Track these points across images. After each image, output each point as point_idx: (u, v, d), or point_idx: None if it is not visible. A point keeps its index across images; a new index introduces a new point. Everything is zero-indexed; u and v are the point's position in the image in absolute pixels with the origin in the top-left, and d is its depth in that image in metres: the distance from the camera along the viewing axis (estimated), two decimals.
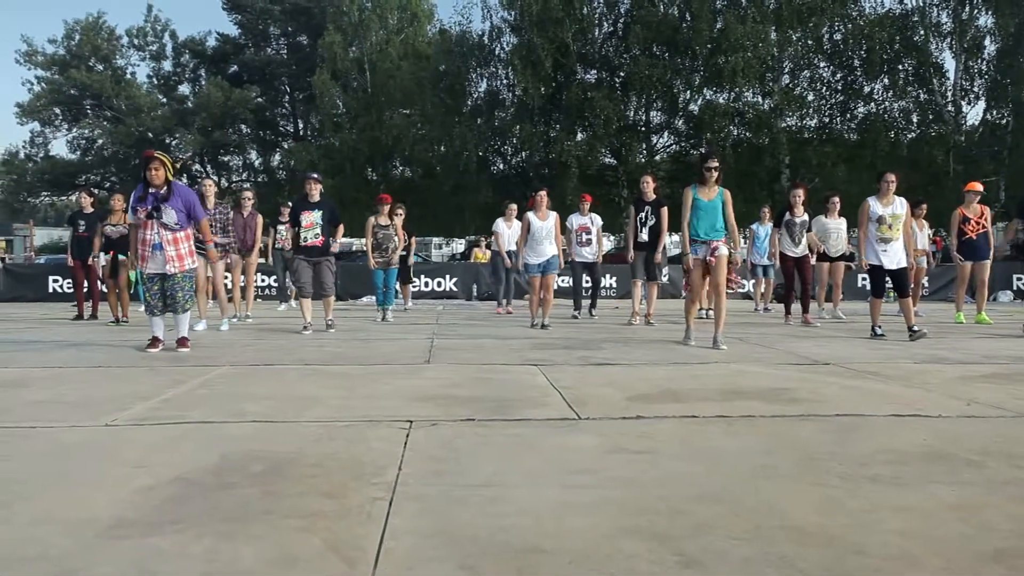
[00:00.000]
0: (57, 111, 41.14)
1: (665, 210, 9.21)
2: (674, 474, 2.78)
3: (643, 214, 9.15)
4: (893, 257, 7.48)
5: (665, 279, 11.06)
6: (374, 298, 11.68)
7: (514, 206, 11.11)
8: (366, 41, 33.86)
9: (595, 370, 5.45)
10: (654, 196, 9.24)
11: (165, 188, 6.34)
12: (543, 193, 8.76)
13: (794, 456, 3.04)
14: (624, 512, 2.35)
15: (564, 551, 2.05)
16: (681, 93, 28.31)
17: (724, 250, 6.77)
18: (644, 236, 9.12)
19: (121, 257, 9.36)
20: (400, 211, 11.15)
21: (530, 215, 8.64)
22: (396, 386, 4.73)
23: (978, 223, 9.75)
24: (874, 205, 7.61)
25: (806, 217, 9.62)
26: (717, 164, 6.83)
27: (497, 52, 30.44)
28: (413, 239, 12.48)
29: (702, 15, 25.94)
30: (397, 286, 11.92)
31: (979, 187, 10.00)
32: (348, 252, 30.60)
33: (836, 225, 10.26)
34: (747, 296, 13.70)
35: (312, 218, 8.02)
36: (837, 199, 10.49)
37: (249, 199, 9.80)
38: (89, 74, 39.03)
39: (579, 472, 2.79)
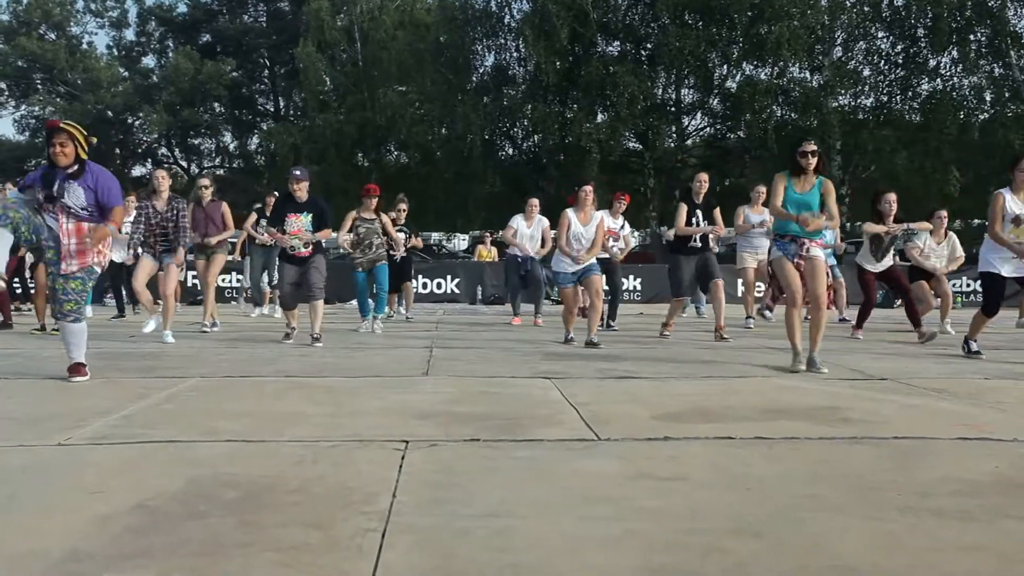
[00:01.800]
0: (2, 86, 41.42)
1: (718, 211, 9.06)
2: (706, 504, 2.78)
3: (695, 218, 8.94)
4: (1018, 264, 6.97)
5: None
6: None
7: (535, 202, 10.88)
8: (356, 7, 33.97)
9: (616, 384, 5.45)
10: (702, 200, 9.04)
11: (76, 167, 5.42)
12: (588, 188, 8.19)
13: (844, 485, 3.03)
14: (650, 548, 2.36)
15: None
16: (717, 68, 28.28)
17: (818, 252, 6.26)
18: (697, 241, 8.93)
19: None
20: (402, 206, 11.12)
21: (571, 214, 8.10)
22: (390, 401, 4.74)
23: None
24: (1010, 201, 6.88)
25: (899, 232, 9.19)
26: (815, 148, 6.30)
27: (507, 21, 30.48)
28: (417, 239, 12.17)
29: None
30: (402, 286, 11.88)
31: None
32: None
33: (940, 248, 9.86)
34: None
35: (300, 223, 7.84)
36: (944, 215, 10.09)
37: (207, 187, 9.65)
38: (40, 43, 39.32)
39: (598, 501, 2.79)
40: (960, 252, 10.04)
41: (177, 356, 6.97)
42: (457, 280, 16.85)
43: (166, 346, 7.82)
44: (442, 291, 16.79)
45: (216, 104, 41.31)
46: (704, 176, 9.31)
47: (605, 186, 27.89)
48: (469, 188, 30.57)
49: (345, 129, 32.65)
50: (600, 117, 28.21)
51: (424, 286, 16.72)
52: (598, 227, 8.05)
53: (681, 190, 10.18)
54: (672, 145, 28.48)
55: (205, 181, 9.80)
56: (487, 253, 18.37)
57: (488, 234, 20.90)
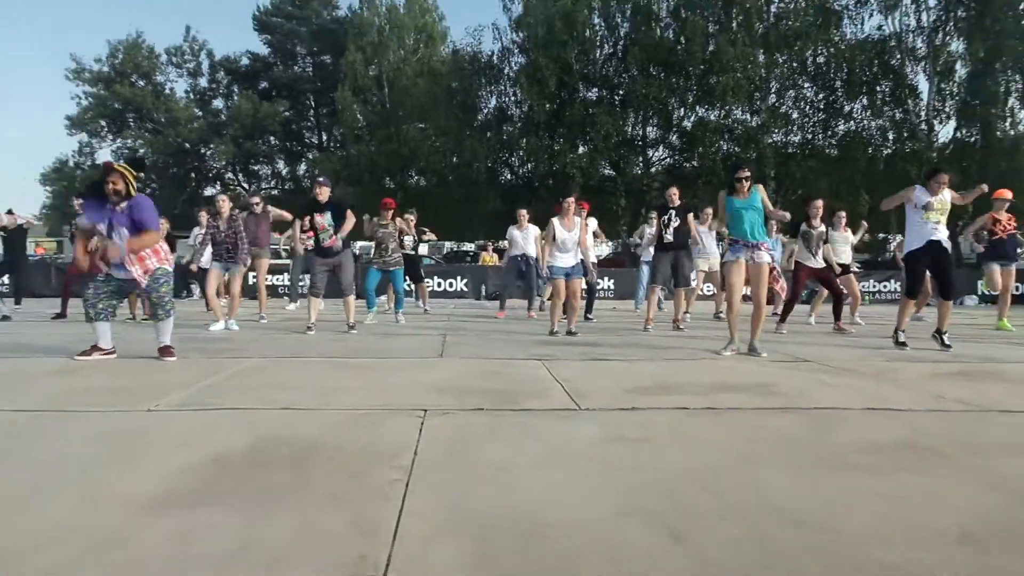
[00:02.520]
0: (103, 123, 41.35)
1: (691, 215, 8.75)
2: (667, 461, 2.80)
3: (667, 217, 8.58)
4: (941, 234, 6.61)
5: (694, 283, 10.27)
6: (380, 298, 11.65)
7: (524, 212, 10.68)
8: (385, 60, 33.91)
9: (594, 365, 5.45)
10: (679, 202, 8.69)
11: (124, 203, 5.40)
12: (571, 200, 7.94)
13: (776, 445, 3.05)
14: (623, 495, 2.38)
15: (567, 528, 2.08)
16: (675, 110, 28.29)
17: (765, 258, 6.22)
18: (669, 236, 8.52)
19: None
20: (410, 216, 10.98)
21: (556, 222, 7.84)
22: (412, 378, 4.75)
23: (1008, 225, 9.21)
24: (920, 193, 6.65)
25: (824, 228, 8.97)
26: (748, 173, 6.27)
27: (506, 71, 30.44)
28: (431, 231, 11.94)
29: (695, 38, 25.92)
30: (411, 287, 11.80)
31: (1008, 194, 9.35)
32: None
33: (843, 236, 9.66)
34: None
35: (323, 220, 7.77)
36: (843, 214, 9.94)
37: (257, 203, 9.54)
38: (132, 89, 39.25)
39: (582, 458, 2.81)
40: (853, 239, 9.93)
41: (240, 341, 6.95)
42: (465, 280, 16.83)
43: (232, 333, 7.82)
44: (454, 289, 16.77)
45: (272, 137, 41.20)
46: (674, 188, 8.86)
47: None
48: (475, 206, 30.57)
49: (376, 158, 32.59)
50: (581, 149, 28.17)
51: (439, 285, 16.71)
52: (581, 230, 7.89)
53: (657, 205, 9.78)
54: (639, 172, 28.43)
55: (256, 199, 9.70)
56: (489, 258, 18.38)
57: (490, 243, 20.87)
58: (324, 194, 7.81)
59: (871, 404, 3.95)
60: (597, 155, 27.27)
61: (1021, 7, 23.62)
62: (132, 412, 3.59)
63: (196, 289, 12.62)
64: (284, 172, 44.12)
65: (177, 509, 2.21)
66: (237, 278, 8.47)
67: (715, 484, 2.49)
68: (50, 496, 2.33)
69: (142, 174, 5.64)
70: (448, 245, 46.38)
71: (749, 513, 2.22)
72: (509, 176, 31.56)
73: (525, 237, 10.39)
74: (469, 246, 41.75)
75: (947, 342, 6.70)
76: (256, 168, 43.53)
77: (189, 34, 42.85)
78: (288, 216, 9.53)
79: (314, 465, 2.68)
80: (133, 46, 40.67)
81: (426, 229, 11.60)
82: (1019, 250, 9.56)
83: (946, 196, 6.65)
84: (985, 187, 7.09)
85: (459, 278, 16.95)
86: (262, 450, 2.87)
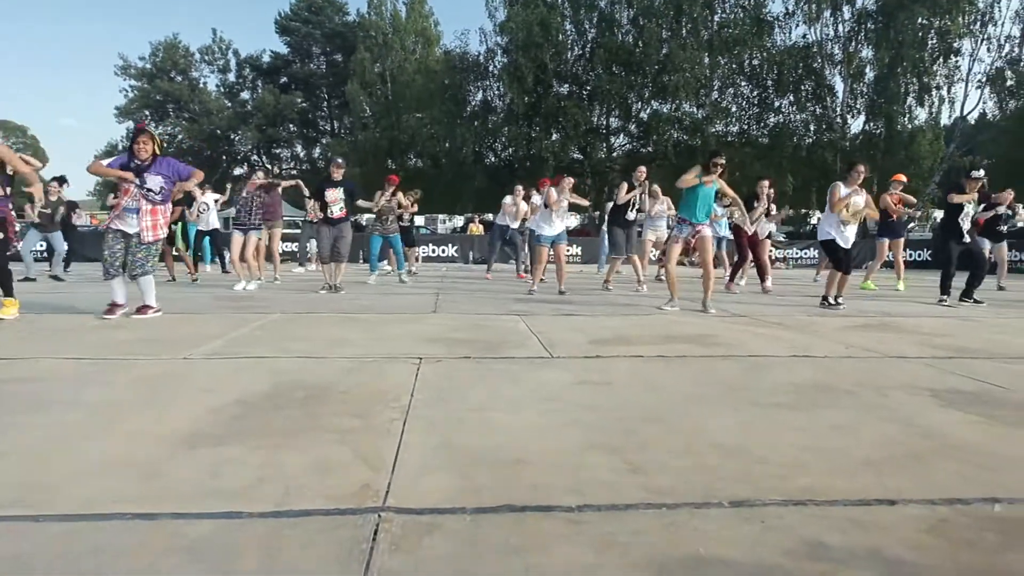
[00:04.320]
0: (147, 112, 40.04)
1: (657, 188, 8.44)
2: (626, 401, 2.77)
3: (634, 194, 8.21)
4: (847, 237, 6.56)
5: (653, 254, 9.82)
6: (382, 263, 11.45)
7: (520, 188, 10.21)
8: (388, 59, 32.99)
9: (564, 320, 5.41)
10: (644, 183, 8.29)
11: (150, 160, 5.22)
12: (570, 179, 7.58)
13: (717, 388, 3.03)
14: (588, 431, 2.34)
15: (542, 461, 2.04)
16: (634, 104, 27.89)
17: (707, 232, 6.10)
18: (632, 216, 8.26)
19: (173, 227, 9.03)
20: (412, 196, 10.72)
21: (554, 191, 7.40)
22: (409, 329, 4.68)
23: (898, 205, 9.04)
24: (843, 191, 6.51)
25: (766, 206, 8.62)
26: (724, 161, 6.03)
27: (490, 69, 29.78)
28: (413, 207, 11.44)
29: (651, 42, 25.45)
30: (405, 251, 11.46)
31: (903, 178, 9.22)
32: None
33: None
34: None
35: (335, 195, 7.55)
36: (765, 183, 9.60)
37: (261, 179, 8.95)
38: (171, 84, 38.00)
39: (552, 400, 2.77)
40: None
41: (263, 299, 6.77)
42: (456, 247, 16.65)
43: (254, 293, 7.62)
44: (446, 255, 16.58)
45: (291, 125, 40.11)
46: (642, 168, 8.46)
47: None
48: (464, 184, 30.15)
49: (380, 143, 31.93)
50: (555, 136, 27.74)
51: (433, 251, 16.53)
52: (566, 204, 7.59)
53: (595, 183, 9.41)
54: (603, 156, 28.12)
55: (260, 173, 9.37)
56: (476, 229, 18.18)
57: (477, 216, 20.61)
58: (338, 173, 7.62)
59: (795, 353, 3.95)
60: (568, 141, 26.90)
61: (919, 20, 23.41)
62: (170, 360, 3.49)
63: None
64: (302, 155, 43.12)
65: (206, 446, 2.14)
66: (251, 243, 8.13)
67: (667, 422, 2.47)
68: (97, 434, 2.25)
69: (164, 144, 5.43)
70: (441, 217, 46.03)
71: (694, 447, 2.19)
72: (493, 159, 31.10)
73: (516, 205, 9.92)
74: (459, 219, 41.44)
75: (840, 301, 6.61)
76: (278, 151, 42.47)
77: (217, 35, 41.55)
78: (299, 184, 9.34)
79: (324, 406, 2.61)
80: (171, 46, 39.26)
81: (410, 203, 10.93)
82: (908, 227, 9.51)
83: (860, 200, 6.48)
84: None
85: (451, 245, 16.77)
86: (279, 394, 2.79)
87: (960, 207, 7.15)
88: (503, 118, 29.03)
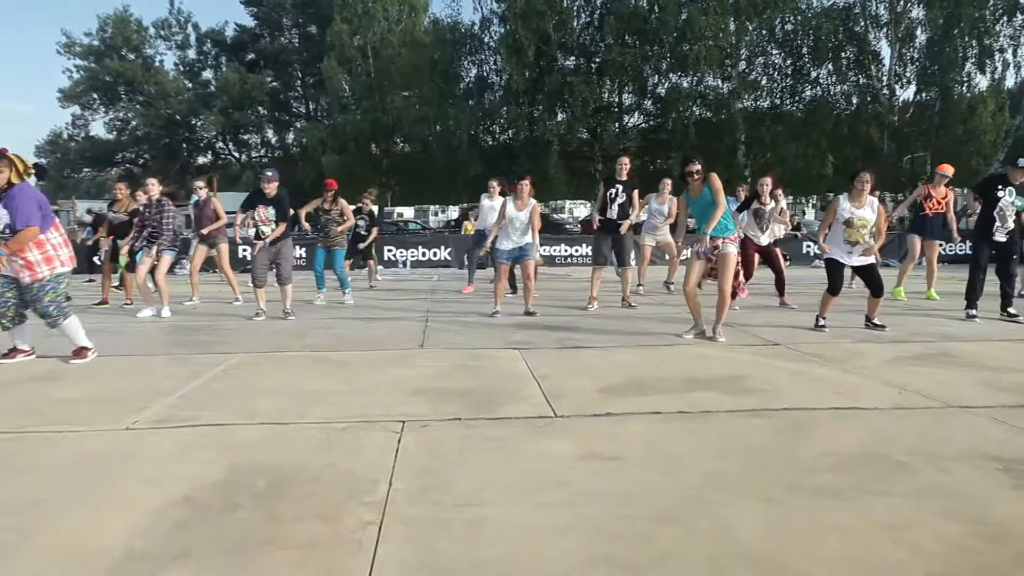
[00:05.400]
0: (95, 96, 40.02)
1: (637, 192, 8.17)
2: (639, 486, 2.68)
3: (613, 191, 8.06)
4: (857, 254, 6.39)
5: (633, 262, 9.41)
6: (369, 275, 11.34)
7: (496, 184, 9.92)
8: (369, 31, 32.83)
9: (570, 355, 5.31)
10: (627, 177, 8.13)
11: (5, 189, 4.82)
12: (525, 182, 7.52)
13: (747, 461, 2.95)
14: (594, 536, 2.26)
15: None
16: (650, 78, 27.70)
17: (731, 249, 5.92)
18: (613, 213, 8.03)
19: (119, 243, 8.87)
20: (368, 197, 10.49)
21: (508, 202, 7.47)
22: (392, 376, 4.60)
23: (940, 203, 8.78)
24: (843, 205, 6.38)
25: (774, 205, 8.43)
26: (699, 167, 5.96)
27: (486, 41, 29.65)
28: (375, 231, 10.84)
29: (668, 7, 25.23)
30: (370, 264, 11.22)
31: (950, 170, 8.91)
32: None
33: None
34: None
35: (266, 213, 7.38)
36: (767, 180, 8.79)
37: (201, 187, 9.06)
38: (122, 63, 37.92)
39: (553, 486, 2.69)
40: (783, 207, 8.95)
41: (224, 333, 6.65)
42: (449, 250, 16.56)
43: (217, 322, 7.40)
44: (438, 258, 16.51)
45: (260, 108, 40.01)
46: (625, 159, 8.28)
47: (564, 171, 27.68)
48: (457, 172, 30.00)
49: (361, 126, 31.84)
50: (560, 116, 27.66)
51: (423, 254, 16.45)
52: (532, 212, 7.43)
53: (606, 168, 9.18)
54: (615, 138, 28.00)
55: (200, 182, 9.25)
56: (471, 227, 18.05)
57: (472, 211, 20.50)
58: (272, 187, 7.40)
59: (836, 403, 3.86)
60: (575, 122, 26.80)
61: None
62: (110, 432, 3.41)
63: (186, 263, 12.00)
64: (273, 141, 43.13)
65: (145, 570, 2.06)
66: (163, 264, 7.85)
67: (686, 521, 2.38)
68: (16, 554, 2.18)
69: (35, 177, 5.15)
70: (432, 209, 46.05)
71: (719, 560, 2.10)
72: (490, 143, 31.01)
73: (493, 208, 9.52)
74: (453, 210, 41.41)
75: (878, 323, 6.43)
76: (246, 137, 42.45)
77: (174, 6, 41.41)
78: (220, 210, 9.10)
79: (287, 503, 2.53)
80: (122, 20, 39.14)
81: (370, 225, 10.64)
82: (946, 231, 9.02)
83: (867, 212, 6.30)
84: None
85: (443, 247, 16.69)
86: (236, 483, 2.71)
87: (995, 198, 7.05)
88: (501, 96, 28.92)
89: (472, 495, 2.60)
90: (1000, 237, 7.07)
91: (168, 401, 3.97)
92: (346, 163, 30.60)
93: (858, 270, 6.52)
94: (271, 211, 7.44)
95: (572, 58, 28.15)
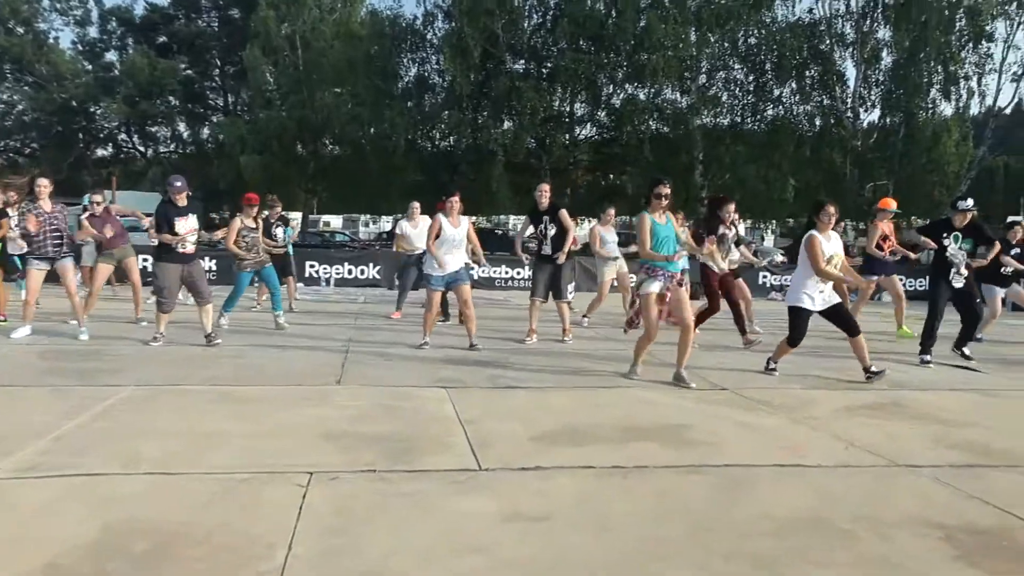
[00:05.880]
0: None
1: (564, 212, 8.14)
2: (568, 551, 2.71)
3: (542, 226, 8.10)
4: (823, 297, 6.36)
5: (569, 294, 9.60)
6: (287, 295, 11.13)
7: (417, 205, 10.12)
8: (299, 19, 32.57)
9: (502, 396, 5.34)
10: (548, 204, 8.13)
11: None
12: (455, 198, 7.53)
13: (683, 525, 3.01)
14: None
15: None
16: (604, 87, 28.29)
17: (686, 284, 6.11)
18: (547, 248, 8.07)
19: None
20: (275, 207, 10.29)
21: (441, 218, 7.41)
22: (303, 416, 4.54)
23: (890, 240, 9.26)
24: (823, 243, 6.28)
25: (735, 232, 8.50)
26: (669, 190, 6.07)
27: (429, 38, 29.83)
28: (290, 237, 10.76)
29: (626, 13, 25.86)
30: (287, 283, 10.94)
31: (893, 204, 9.44)
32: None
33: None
34: None
35: (190, 224, 7.23)
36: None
37: (98, 203, 8.68)
38: (8, 37, 36.51)
39: (473, 551, 2.69)
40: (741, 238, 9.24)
41: (117, 359, 6.44)
42: (378, 267, 16.42)
43: (108, 347, 7.16)
44: (365, 277, 16.34)
45: (171, 97, 39.13)
46: (545, 186, 8.27)
47: (508, 184, 27.90)
48: (392, 179, 30.02)
49: (286, 124, 31.47)
50: (506, 124, 27.90)
51: (349, 272, 16.27)
52: (469, 230, 7.56)
53: (528, 209, 9.19)
54: (566, 150, 28.40)
55: (98, 197, 8.81)
56: (404, 245, 17.94)
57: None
58: (183, 198, 7.25)
59: (781, 459, 3.98)
60: (522, 131, 27.05)
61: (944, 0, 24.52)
62: None
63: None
64: (186, 135, 42.16)
65: None
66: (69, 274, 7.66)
67: None
68: None
69: None
70: (363, 219, 45.60)
71: None
72: (430, 149, 31.06)
73: (419, 235, 9.67)
74: (386, 221, 41.13)
75: (876, 371, 6.37)
76: (153, 130, 41.38)
77: None
78: (140, 215, 8.90)
79: (169, 572, 2.46)
80: None
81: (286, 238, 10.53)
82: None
83: (838, 247, 6.42)
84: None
85: (371, 265, 16.55)
86: (111, 547, 2.63)
87: (942, 246, 7.41)
88: (443, 99, 29.05)
89: (380, 562, 2.58)
90: (958, 283, 7.40)
91: (41, 444, 3.82)
92: (268, 164, 30.21)
93: (827, 315, 6.43)
94: (193, 219, 7.29)
95: (521, 62, 28.52)
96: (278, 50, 32.63)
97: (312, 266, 16.07)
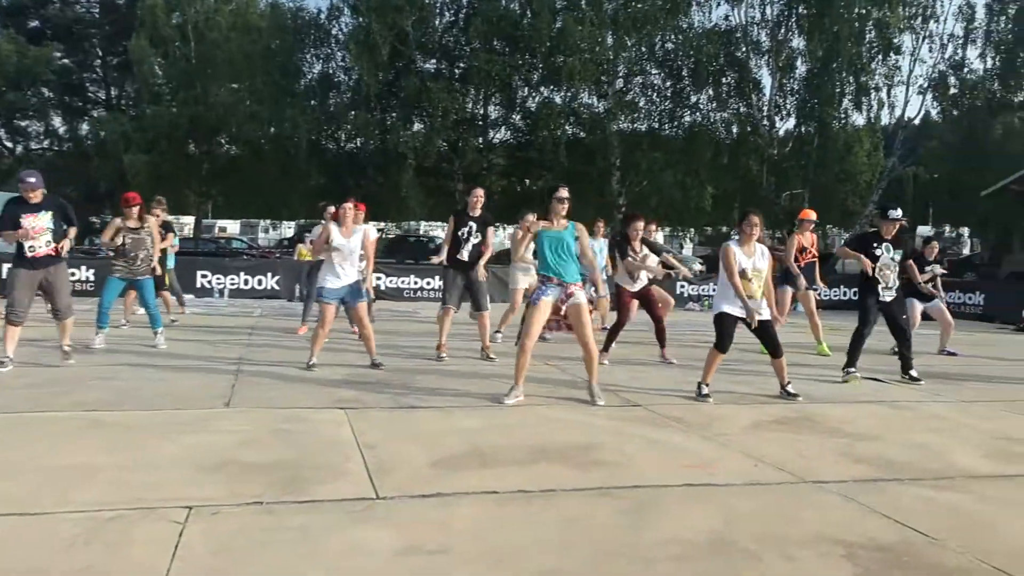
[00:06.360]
0: None
1: (491, 230, 8.32)
2: None
3: (466, 229, 8.08)
4: (757, 307, 6.32)
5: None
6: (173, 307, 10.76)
7: (331, 208, 9.96)
8: (191, 8, 31.57)
9: (405, 418, 5.31)
10: (480, 212, 8.22)
11: None
12: (349, 205, 7.38)
13: (586, 553, 3.04)
14: None
15: None
16: (519, 89, 28.63)
17: (581, 297, 5.97)
18: (465, 255, 8.07)
19: None
20: (158, 210, 9.81)
21: (332, 228, 7.24)
22: (183, 445, 4.37)
23: (810, 252, 9.48)
24: (737, 255, 6.31)
25: (646, 252, 8.58)
26: (568, 195, 6.14)
27: (334, 33, 29.54)
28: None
29: (542, 13, 26.23)
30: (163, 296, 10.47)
31: (813, 215, 9.71)
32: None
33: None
34: None
35: (39, 222, 6.65)
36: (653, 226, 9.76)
37: None
38: None
39: None
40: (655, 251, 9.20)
41: None
42: (277, 278, 16.05)
43: None
44: (262, 287, 15.93)
45: (45, 89, 37.21)
46: (479, 191, 8.36)
47: (419, 189, 27.80)
48: (294, 182, 29.60)
49: (177, 121, 30.45)
50: (416, 126, 27.88)
51: (246, 283, 15.85)
52: (364, 239, 7.39)
53: (455, 210, 9.20)
54: (479, 154, 28.55)
55: None
56: (306, 252, 17.60)
57: (308, 233, 20.05)
58: (36, 195, 6.69)
59: (690, 478, 4.08)
60: (433, 134, 27.05)
61: (856, 9, 25.88)
62: None
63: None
64: (62, 131, 40.09)
65: None
66: None
67: None
68: None
69: None
70: (262, 224, 44.61)
71: None
72: (335, 151, 30.68)
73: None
74: (289, 227, 40.36)
75: (792, 391, 6.50)
76: (24, 124, 39.18)
77: None
78: None
79: None
80: None
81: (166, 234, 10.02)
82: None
83: (762, 262, 6.42)
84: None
85: (270, 275, 16.15)
86: None
87: (873, 257, 7.45)
88: (349, 99, 28.81)
89: None
90: (887, 297, 7.51)
91: None
92: (155, 164, 29.16)
93: (754, 329, 6.42)
94: (45, 217, 6.67)
95: (432, 61, 28.61)
96: (168, 41, 31.54)
97: (204, 276, 15.57)
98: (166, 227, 10.21)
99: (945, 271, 10.66)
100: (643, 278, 8.63)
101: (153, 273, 8.57)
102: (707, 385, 6.47)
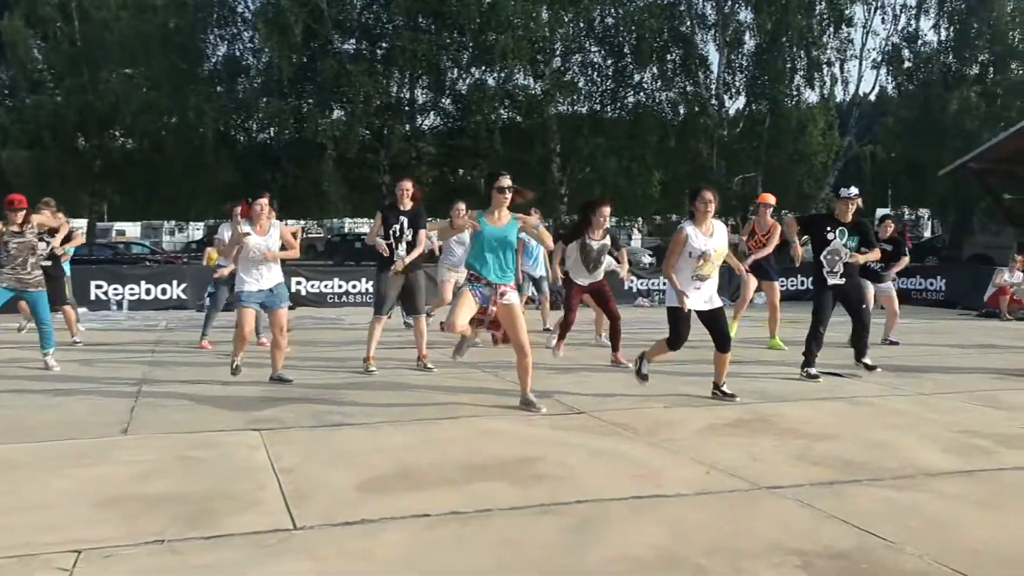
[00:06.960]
0: None
1: (423, 233, 8.10)
2: None
3: (397, 226, 7.90)
4: (704, 295, 6.42)
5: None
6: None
7: (238, 208, 9.65)
8: None
9: (328, 436, 5.25)
10: (412, 205, 8.04)
11: None
12: (263, 201, 7.22)
13: None
14: None
15: None
16: (448, 71, 28.66)
17: (514, 298, 6.02)
18: (399, 253, 7.87)
19: None
20: (46, 212, 9.55)
21: (247, 226, 7.12)
22: (76, 479, 4.24)
23: (759, 237, 9.55)
24: (694, 237, 6.29)
25: (607, 242, 8.57)
26: (511, 184, 6.02)
27: (240, 11, 29.17)
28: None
29: None
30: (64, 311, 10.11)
31: (772, 199, 9.78)
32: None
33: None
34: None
35: None
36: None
37: None
38: None
39: None
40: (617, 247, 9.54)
41: None
42: (184, 285, 15.69)
43: None
44: (167, 297, 15.55)
45: None
46: (407, 184, 8.16)
47: (341, 182, 27.57)
48: (201, 177, 29.22)
49: (63, 111, 29.73)
50: (336, 113, 27.71)
51: (148, 292, 15.46)
52: (282, 234, 7.28)
53: (384, 204, 9.09)
54: (406, 142, 28.44)
55: None
56: (216, 255, 17.31)
57: (216, 234, 19.70)
58: None
59: (637, 490, 4.13)
60: (355, 121, 26.92)
61: None
62: None
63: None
64: None
65: None
66: None
67: None
68: None
69: None
70: (167, 226, 43.56)
71: None
72: (245, 142, 30.25)
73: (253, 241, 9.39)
74: (197, 228, 39.62)
75: (728, 392, 6.62)
76: None
77: None
78: None
79: None
80: None
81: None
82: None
83: (720, 240, 6.46)
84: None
85: (175, 283, 15.79)
86: None
87: (825, 240, 7.54)
88: (260, 84, 28.41)
89: None
90: (835, 280, 7.58)
91: None
92: (38, 160, 28.48)
93: (704, 318, 6.51)
94: None
95: (352, 41, 28.42)
96: (47, 21, 30.68)
97: (99, 286, 15.13)
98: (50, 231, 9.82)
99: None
100: (600, 272, 8.61)
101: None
102: (648, 363, 6.63)
